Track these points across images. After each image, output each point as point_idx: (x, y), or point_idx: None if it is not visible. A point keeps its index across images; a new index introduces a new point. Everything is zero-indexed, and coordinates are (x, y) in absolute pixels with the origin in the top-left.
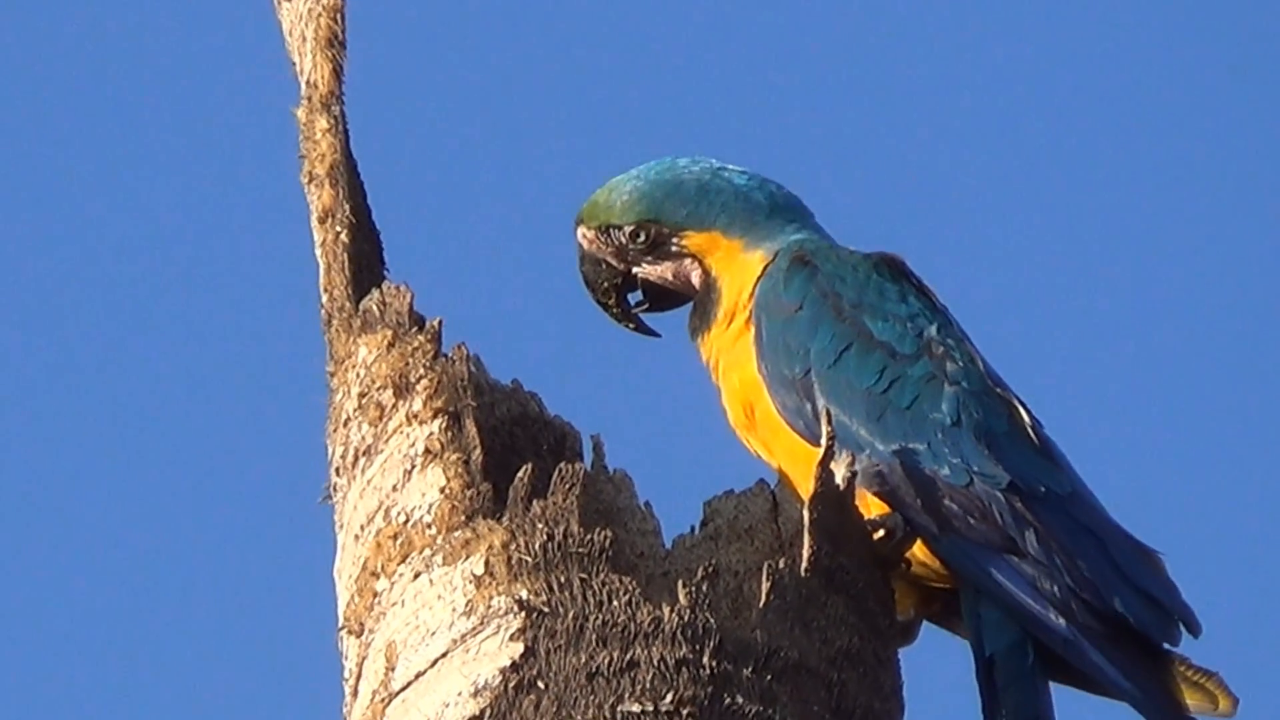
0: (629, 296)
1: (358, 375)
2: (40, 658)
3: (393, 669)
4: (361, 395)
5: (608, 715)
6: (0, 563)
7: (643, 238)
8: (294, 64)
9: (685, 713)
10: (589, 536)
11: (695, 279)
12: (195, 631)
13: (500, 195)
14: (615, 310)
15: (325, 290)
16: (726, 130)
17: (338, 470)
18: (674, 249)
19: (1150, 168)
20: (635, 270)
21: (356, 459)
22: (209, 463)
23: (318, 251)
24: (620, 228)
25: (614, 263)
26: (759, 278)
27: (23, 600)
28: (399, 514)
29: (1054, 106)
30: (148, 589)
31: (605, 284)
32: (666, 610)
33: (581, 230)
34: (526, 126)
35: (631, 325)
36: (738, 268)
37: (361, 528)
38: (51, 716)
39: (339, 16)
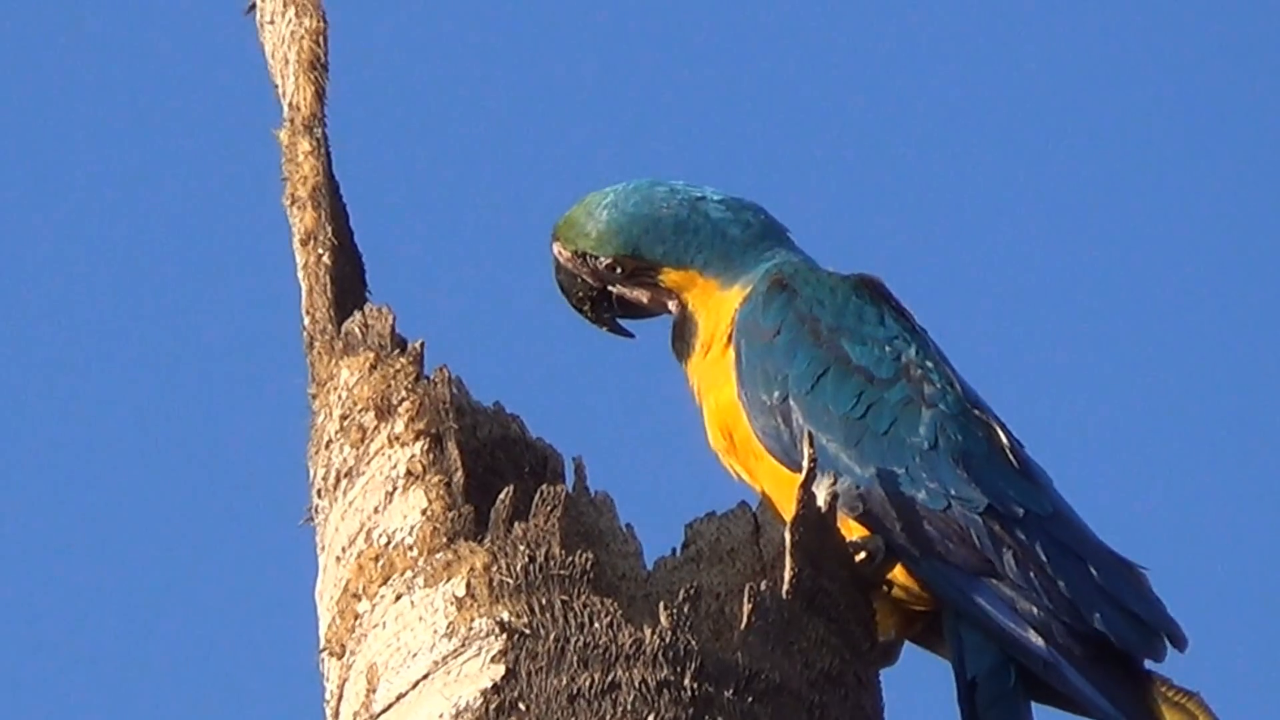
0: (603, 304)
1: (339, 397)
2: (26, 675)
3: (374, 691)
4: (343, 417)
5: None
6: None
7: (620, 270)
8: (276, 86)
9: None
10: (570, 559)
11: (673, 308)
12: (176, 652)
13: (483, 217)
14: (590, 314)
15: (307, 313)
16: (705, 142)
17: (319, 492)
18: (651, 281)
19: (1138, 173)
20: (611, 289)
21: (338, 481)
22: (189, 484)
23: (300, 274)
24: (597, 257)
25: (590, 280)
26: (739, 307)
27: (7, 619)
28: (380, 536)
29: (1042, 112)
30: (127, 611)
31: (580, 294)
32: (648, 632)
33: (557, 247)
34: (508, 148)
35: (606, 327)
36: (714, 304)
37: (343, 549)
38: None
39: (321, 40)
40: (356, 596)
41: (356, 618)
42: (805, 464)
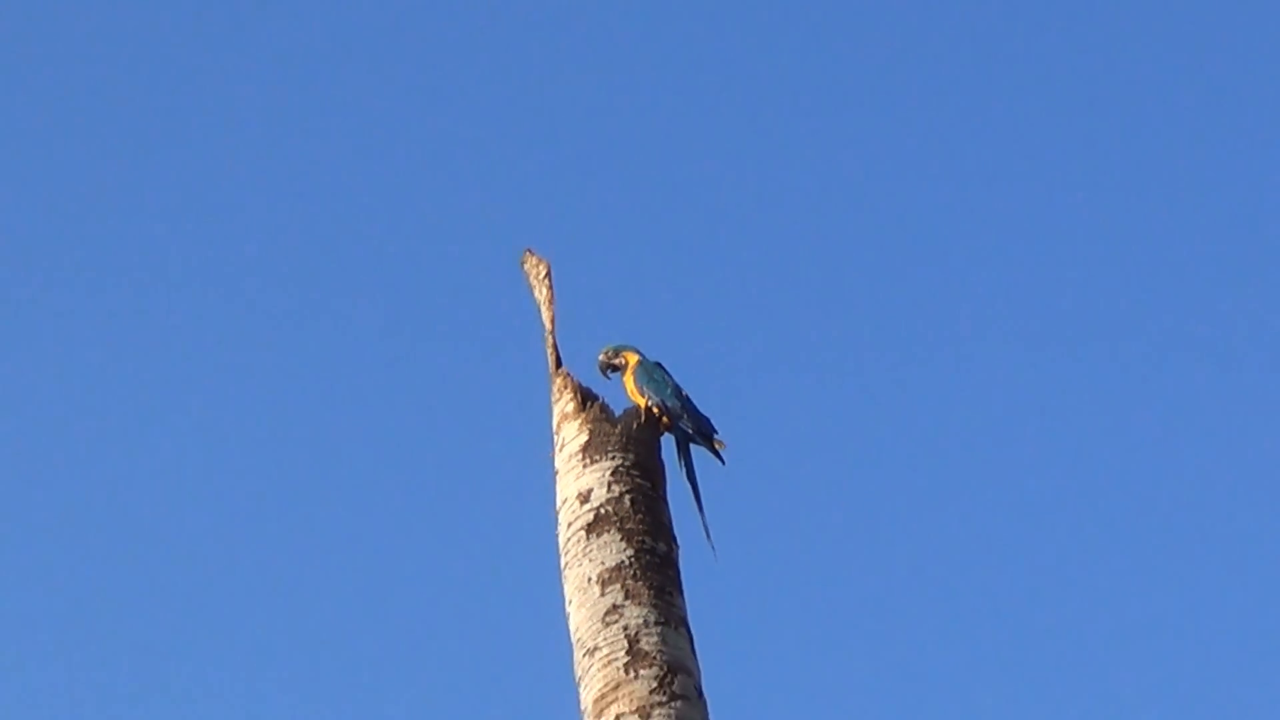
0: (609, 371)
1: (555, 386)
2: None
3: (563, 444)
4: (558, 390)
5: (608, 452)
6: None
7: (613, 353)
8: (550, 361)
9: (619, 451)
10: (603, 414)
11: (622, 364)
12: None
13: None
14: (605, 376)
15: (550, 377)
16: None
17: (553, 411)
18: (619, 356)
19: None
20: (613, 362)
21: (553, 405)
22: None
23: (550, 363)
24: (608, 351)
25: (607, 361)
26: (634, 366)
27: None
28: (564, 412)
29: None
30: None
31: (605, 369)
32: (618, 429)
33: (600, 356)
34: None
35: (607, 379)
36: (631, 359)
37: (558, 423)
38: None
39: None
40: (560, 423)
41: (560, 431)
42: (645, 397)
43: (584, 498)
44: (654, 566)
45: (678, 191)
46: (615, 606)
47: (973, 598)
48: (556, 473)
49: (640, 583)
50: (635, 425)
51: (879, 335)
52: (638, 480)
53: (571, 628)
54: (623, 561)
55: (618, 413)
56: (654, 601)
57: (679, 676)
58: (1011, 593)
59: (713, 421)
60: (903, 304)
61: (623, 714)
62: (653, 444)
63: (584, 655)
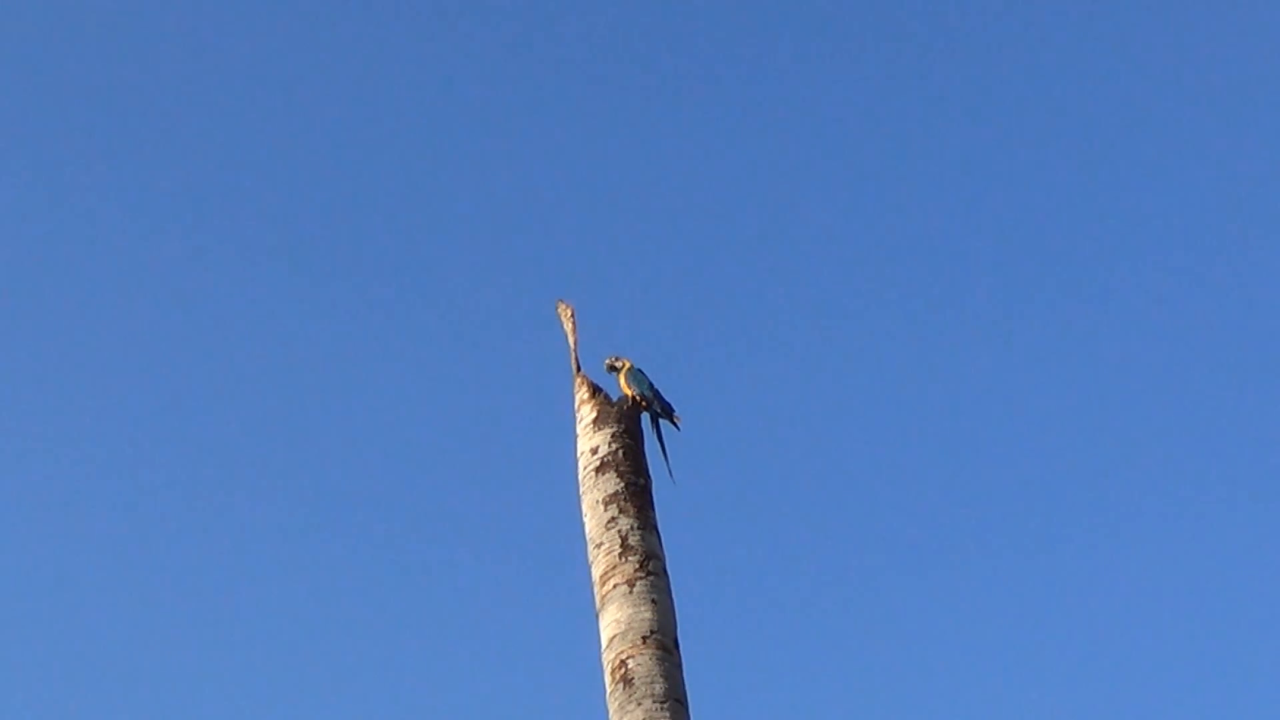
0: (610, 372)
1: (576, 386)
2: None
3: (582, 415)
4: (577, 388)
5: (609, 422)
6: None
7: (614, 360)
8: (576, 391)
9: (615, 422)
10: (605, 399)
11: (619, 367)
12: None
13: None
14: (608, 374)
15: (574, 380)
16: None
17: (574, 395)
18: (617, 362)
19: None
20: (614, 366)
21: (575, 393)
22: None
23: (575, 375)
24: (610, 360)
25: (609, 366)
26: (626, 370)
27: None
28: (581, 398)
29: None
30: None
31: (608, 370)
32: (615, 408)
33: (605, 363)
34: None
35: (609, 377)
36: (624, 364)
37: (580, 402)
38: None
39: (589, 403)
40: (579, 406)
41: (579, 410)
42: (632, 389)
43: (594, 451)
44: (636, 493)
45: (661, 256)
46: (613, 518)
47: (864, 520)
48: (577, 436)
49: (629, 503)
50: (626, 406)
51: (790, 339)
52: (627, 440)
53: (586, 531)
54: (618, 490)
55: (615, 398)
56: (636, 514)
57: (652, 561)
58: (930, 518)
59: (673, 405)
60: (818, 315)
61: (618, 584)
62: (636, 418)
63: (594, 548)
